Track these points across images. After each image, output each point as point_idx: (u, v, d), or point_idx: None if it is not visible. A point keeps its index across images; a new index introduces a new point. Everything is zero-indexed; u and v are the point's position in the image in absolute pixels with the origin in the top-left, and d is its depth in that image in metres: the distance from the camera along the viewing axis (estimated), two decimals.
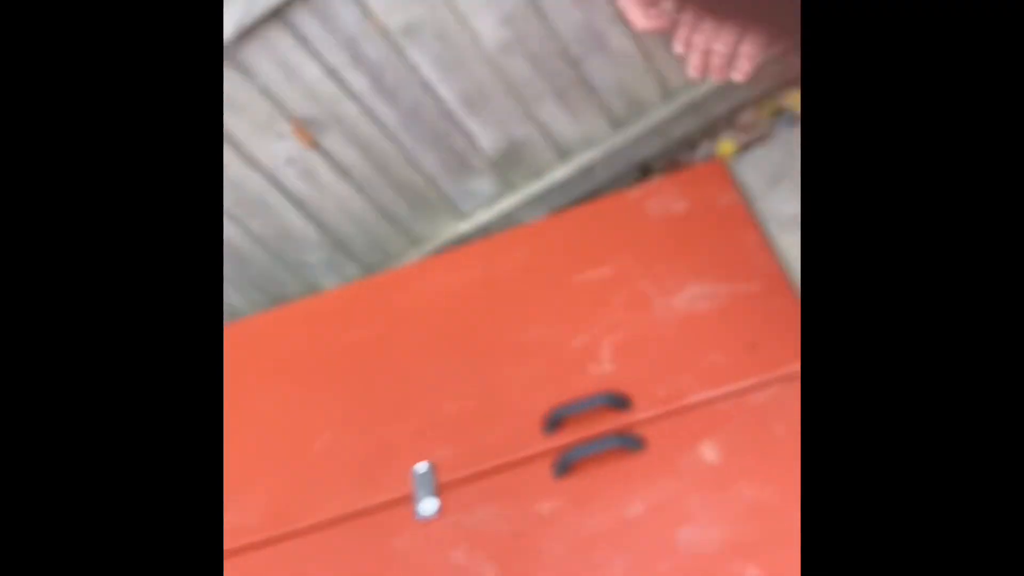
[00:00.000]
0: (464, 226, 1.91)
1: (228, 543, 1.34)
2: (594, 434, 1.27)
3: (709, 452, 1.21)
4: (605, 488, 1.22)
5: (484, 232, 1.89)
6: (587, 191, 1.89)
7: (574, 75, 1.70)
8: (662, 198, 1.61)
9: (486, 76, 1.65)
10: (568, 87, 1.72)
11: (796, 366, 1.26)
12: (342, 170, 1.76)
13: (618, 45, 1.68)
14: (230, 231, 1.80)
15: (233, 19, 1.46)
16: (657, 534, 1.15)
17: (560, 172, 1.86)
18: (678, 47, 0.94)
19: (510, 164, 1.83)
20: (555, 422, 1.29)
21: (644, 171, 1.94)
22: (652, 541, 1.14)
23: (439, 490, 1.29)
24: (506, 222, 1.89)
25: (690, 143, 1.92)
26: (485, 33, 1.59)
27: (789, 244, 1.67)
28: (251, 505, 1.39)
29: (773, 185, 1.77)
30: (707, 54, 0.93)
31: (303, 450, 1.44)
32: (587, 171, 1.86)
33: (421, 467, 1.32)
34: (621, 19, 1.63)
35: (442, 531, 1.27)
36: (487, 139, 1.77)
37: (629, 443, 1.23)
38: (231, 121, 1.63)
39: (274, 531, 1.35)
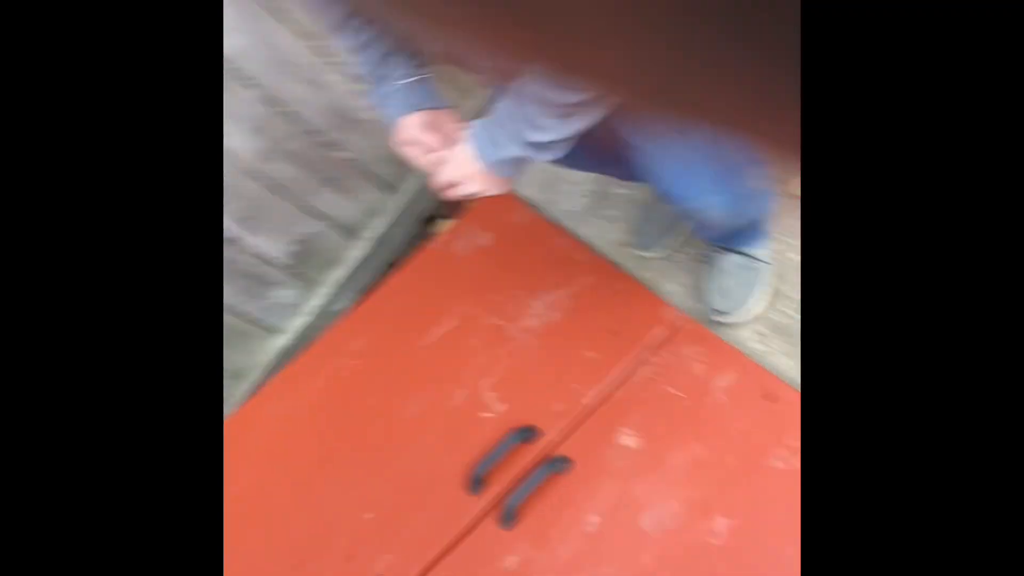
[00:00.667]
0: (282, 340, 1.84)
1: None
2: (520, 474, 1.28)
3: (628, 440, 1.27)
4: (556, 517, 1.24)
5: (305, 338, 1.83)
6: (387, 260, 1.90)
7: (337, 158, 1.70)
8: (465, 237, 1.66)
9: (254, 189, 1.61)
10: (335, 171, 1.72)
11: (657, 330, 1.36)
12: None
13: (366, 117, 1.71)
14: None
15: None
16: (624, 533, 1.19)
17: (356, 252, 1.85)
18: None
19: (305, 263, 1.79)
20: (478, 481, 1.29)
21: (432, 221, 1.99)
22: (623, 541, 1.18)
23: None
24: (323, 320, 1.85)
25: None
26: (240, 148, 1.55)
27: (589, 232, 1.79)
28: None
29: (550, 188, 1.88)
30: None
31: None
32: (381, 241, 1.86)
33: None
34: (359, 91, 1.66)
35: None
36: (275, 249, 1.72)
37: (557, 466, 1.26)
38: None
39: None
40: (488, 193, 1.11)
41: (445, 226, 1.98)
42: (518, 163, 1.06)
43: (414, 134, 1.14)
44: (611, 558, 1.17)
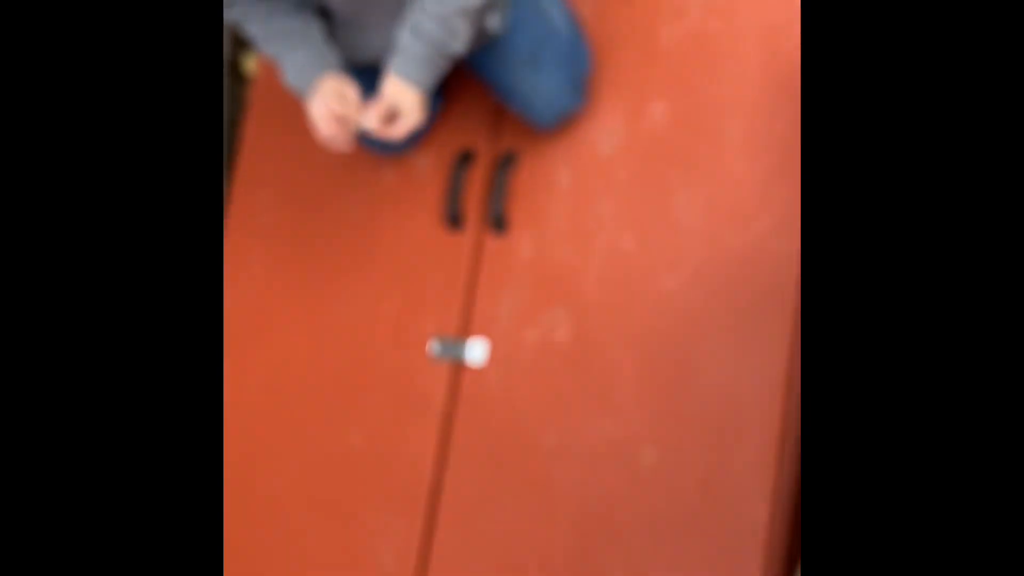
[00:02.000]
0: None
1: None
2: (480, 192, 1.42)
3: None
4: (535, 199, 1.40)
5: None
6: (228, 119, 1.86)
7: None
8: None
9: None
10: None
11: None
12: None
13: None
14: None
15: None
16: (586, 171, 1.37)
17: None
18: None
19: None
20: (454, 218, 1.42)
21: (237, 63, 1.93)
22: (594, 181, 1.36)
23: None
24: None
25: None
26: None
27: None
28: None
29: None
30: None
31: None
32: None
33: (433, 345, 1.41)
34: None
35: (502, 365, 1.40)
36: None
37: (509, 163, 1.40)
38: None
39: None
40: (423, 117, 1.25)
41: (252, 63, 1.94)
42: (438, 78, 1.24)
43: (321, 103, 1.24)
44: (588, 195, 1.35)
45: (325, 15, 1.33)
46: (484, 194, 1.42)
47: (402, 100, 1.22)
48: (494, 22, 1.27)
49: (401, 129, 1.23)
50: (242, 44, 1.95)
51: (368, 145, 1.41)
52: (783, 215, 1.24)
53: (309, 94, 1.27)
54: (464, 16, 1.19)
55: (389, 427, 1.44)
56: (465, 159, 1.42)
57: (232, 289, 1.62)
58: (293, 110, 1.56)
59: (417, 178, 1.48)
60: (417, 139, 1.45)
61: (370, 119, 1.23)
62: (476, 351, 1.39)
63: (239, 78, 1.94)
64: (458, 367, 1.41)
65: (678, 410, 1.26)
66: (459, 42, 1.21)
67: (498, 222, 1.40)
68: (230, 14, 1.27)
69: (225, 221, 1.69)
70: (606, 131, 1.36)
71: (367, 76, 1.39)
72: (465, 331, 1.42)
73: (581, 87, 1.33)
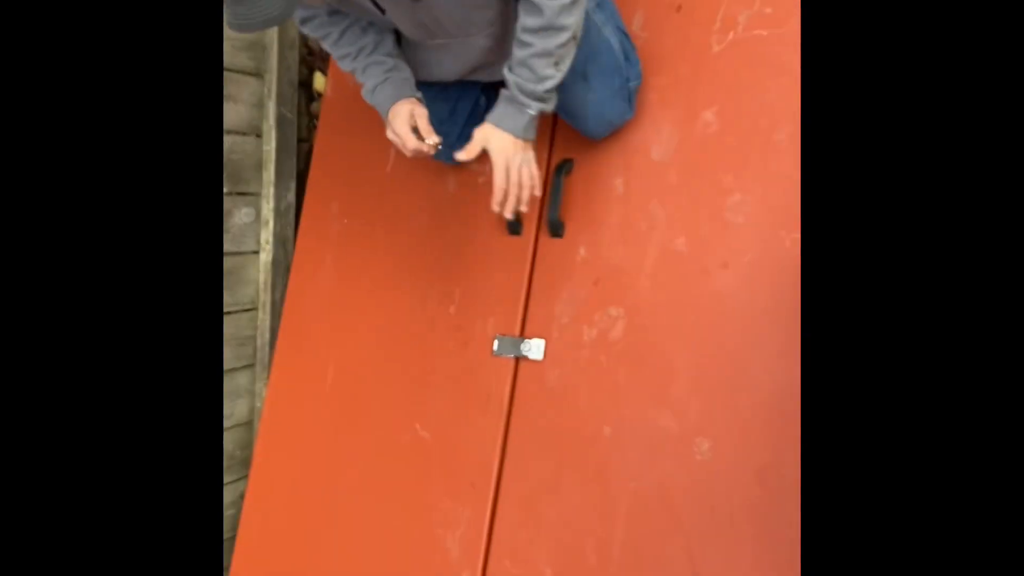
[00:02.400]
0: (264, 255, 1.94)
1: None
2: (537, 201, 1.49)
3: None
4: (589, 203, 1.46)
5: (282, 236, 1.93)
6: (296, 136, 1.97)
7: None
8: None
9: None
10: None
11: None
12: None
13: None
14: None
15: None
16: (642, 174, 1.43)
17: (267, 145, 1.92)
18: None
19: (237, 178, 1.86)
20: (514, 225, 1.49)
21: (307, 84, 2.04)
22: (645, 182, 1.42)
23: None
24: (285, 217, 1.94)
25: None
26: None
27: None
28: None
29: None
30: None
31: None
32: (280, 123, 1.94)
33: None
34: None
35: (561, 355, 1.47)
36: None
37: (566, 168, 1.47)
38: None
39: None
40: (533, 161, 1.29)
41: (322, 80, 2.05)
42: (534, 120, 1.26)
43: (393, 132, 1.31)
44: (641, 199, 1.41)
45: (398, 33, 1.40)
46: (542, 200, 1.50)
47: (490, 143, 1.26)
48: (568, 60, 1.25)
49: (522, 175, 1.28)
50: (313, 62, 2.07)
51: (434, 156, 1.49)
52: None
53: (387, 114, 1.34)
54: (543, 57, 1.18)
55: (455, 421, 1.52)
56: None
57: (304, 294, 1.73)
58: (362, 125, 1.66)
59: (479, 186, 1.56)
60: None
61: (460, 155, 1.28)
62: (536, 349, 1.46)
63: (311, 95, 2.06)
64: (520, 364, 1.48)
65: (732, 404, 1.31)
66: (545, 84, 1.21)
67: (555, 227, 1.47)
68: (304, 28, 1.36)
69: (298, 227, 1.80)
70: (658, 137, 1.42)
71: (438, 92, 1.46)
72: (526, 330, 1.49)
73: (631, 99, 1.39)
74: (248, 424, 1.97)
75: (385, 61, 1.35)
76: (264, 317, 1.96)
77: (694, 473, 1.32)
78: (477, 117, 1.41)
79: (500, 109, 1.25)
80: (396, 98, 1.33)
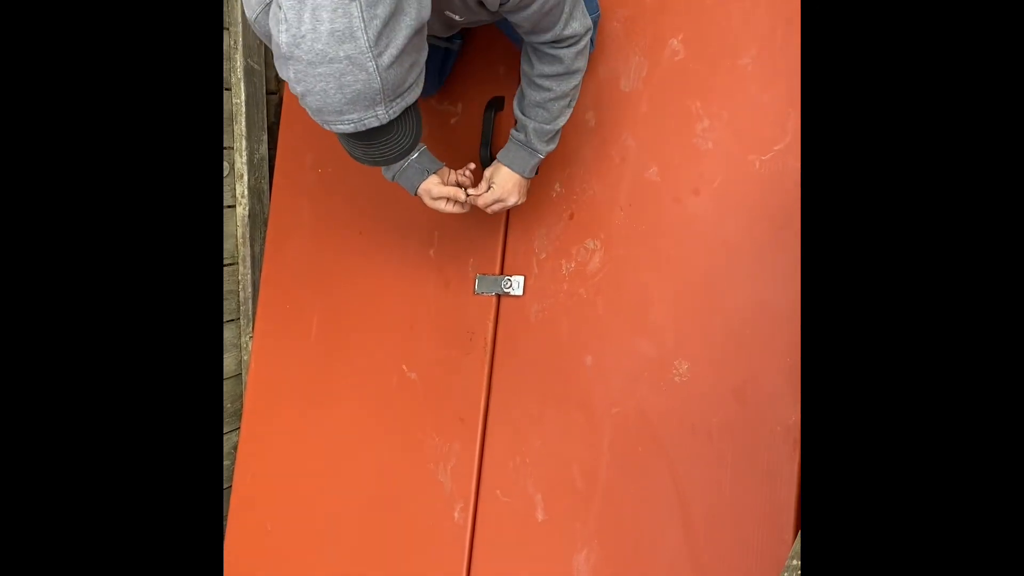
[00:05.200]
0: (240, 209, 1.94)
1: None
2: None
3: None
4: (566, 138, 1.48)
5: (257, 189, 1.93)
6: (265, 89, 1.96)
7: None
8: None
9: None
10: None
11: None
12: None
13: None
14: None
15: None
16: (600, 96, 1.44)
17: (236, 99, 1.91)
18: None
19: None
20: (487, 162, 1.50)
21: None
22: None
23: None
24: (259, 168, 1.94)
25: None
26: None
27: None
28: None
29: None
30: None
31: None
32: (248, 73, 1.92)
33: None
34: None
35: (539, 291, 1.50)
36: None
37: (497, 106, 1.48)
38: None
39: None
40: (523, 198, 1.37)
41: None
42: (538, 162, 1.33)
43: (438, 192, 1.33)
44: (613, 131, 1.43)
45: None
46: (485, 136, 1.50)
47: (496, 178, 1.33)
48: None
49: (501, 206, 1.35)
50: None
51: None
52: (797, 135, 1.30)
53: (417, 190, 1.36)
54: (560, 99, 1.25)
55: (440, 361, 1.55)
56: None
57: (283, 245, 1.74)
58: None
59: (452, 127, 1.57)
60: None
61: (476, 199, 1.34)
62: (517, 285, 1.48)
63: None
64: (501, 301, 1.51)
65: (708, 326, 1.35)
66: (558, 123, 1.28)
67: (485, 163, 1.47)
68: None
69: (273, 180, 1.80)
70: (626, 68, 1.43)
71: None
72: (505, 267, 1.52)
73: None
74: (237, 377, 1.99)
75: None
76: (245, 271, 1.97)
77: (674, 395, 1.36)
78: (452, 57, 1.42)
79: (512, 152, 1.33)
80: (428, 172, 1.35)
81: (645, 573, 1.35)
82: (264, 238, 1.85)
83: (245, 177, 1.94)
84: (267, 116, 2.00)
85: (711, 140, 1.36)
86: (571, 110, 1.29)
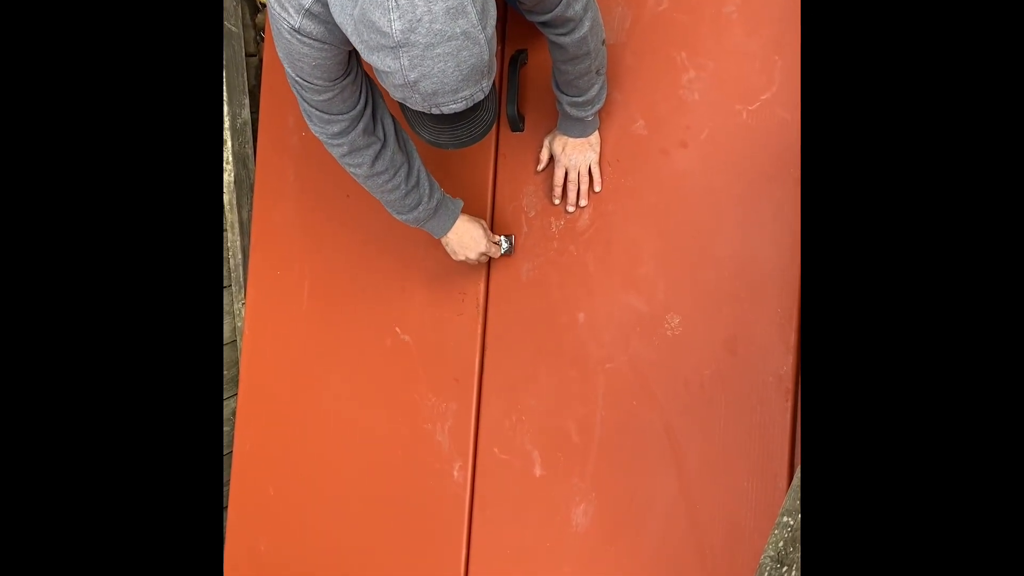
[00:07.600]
0: (229, 170, 1.92)
1: None
2: (501, 88, 1.48)
3: None
4: (547, 93, 1.46)
5: (243, 140, 1.91)
6: (246, 52, 1.92)
7: None
8: None
9: None
10: None
11: None
12: None
13: None
14: None
15: None
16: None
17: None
18: None
19: None
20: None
21: None
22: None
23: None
24: (242, 130, 1.92)
25: None
26: None
27: None
28: None
29: None
30: None
31: None
32: (228, 38, 1.88)
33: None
34: None
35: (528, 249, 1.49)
36: None
37: (521, 59, 1.46)
38: None
39: None
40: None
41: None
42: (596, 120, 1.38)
43: (479, 242, 1.40)
44: (608, 81, 1.41)
45: None
46: (500, 95, 1.49)
47: (555, 146, 1.41)
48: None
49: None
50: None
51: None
52: (784, 84, 1.29)
53: (446, 232, 1.40)
54: (584, 76, 1.28)
55: (434, 322, 1.55)
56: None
57: (271, 210, 1.73)
58: None
59: None
60: None
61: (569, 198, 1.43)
62: (506, 244, 1.48)
63: (255, 6, 2.00)
64: (492, 260, 1.51)
65: (698, 278, 1.35)
66: (593, 88, 1.31)
67: (514, 122, 1.46)
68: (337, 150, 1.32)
69: (257, 144, 1.78)
70: (610, 19, 1.40)
71: None
72: (495, 226, 1.51)
73: None
74: (232, 344, 2.00)
75: (426, 192, 1.36)
76: (234, 237, 1.96)
77: (666, 348, 1.37)
78: None
79: (563, 123, 1.38)
80: (456, 216, 1.38)
81: (642, 524, 1.38)
82: (251, 203, 1.84)
83: (229, 142, 1.92)
84: (247, 79, 1.97)
85: (697, 91, 1.34)
86: (602, 76, 1.32)
